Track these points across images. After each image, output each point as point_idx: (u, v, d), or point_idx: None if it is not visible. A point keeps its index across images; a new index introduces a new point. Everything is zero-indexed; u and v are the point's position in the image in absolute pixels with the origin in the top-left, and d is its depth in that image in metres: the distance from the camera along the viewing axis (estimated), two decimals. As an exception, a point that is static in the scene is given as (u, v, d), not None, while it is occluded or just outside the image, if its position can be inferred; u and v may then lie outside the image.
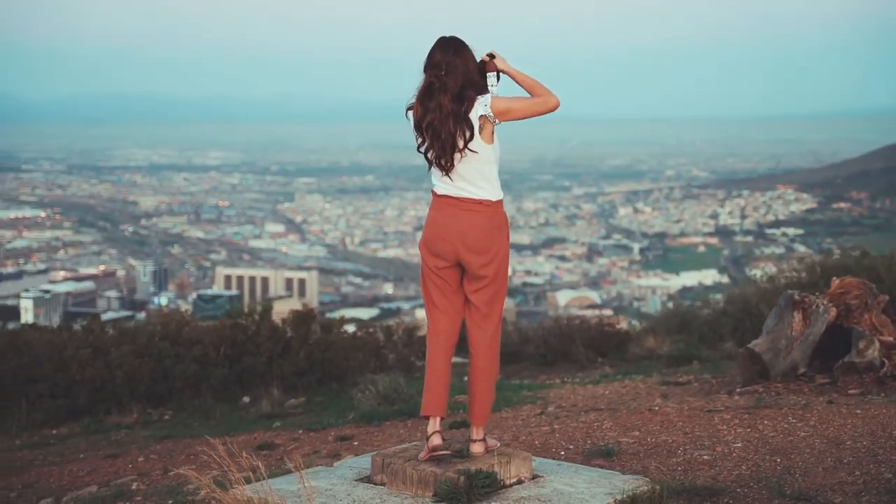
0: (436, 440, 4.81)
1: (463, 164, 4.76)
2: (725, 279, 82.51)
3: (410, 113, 4.83)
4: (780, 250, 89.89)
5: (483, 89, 4.79)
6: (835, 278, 9.22)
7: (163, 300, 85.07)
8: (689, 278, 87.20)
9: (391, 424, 8.55)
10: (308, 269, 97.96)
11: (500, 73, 4.86)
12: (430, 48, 4.79)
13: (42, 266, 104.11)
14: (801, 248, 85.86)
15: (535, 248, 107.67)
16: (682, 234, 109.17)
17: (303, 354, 11.60)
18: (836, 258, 16.04)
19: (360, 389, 9.74)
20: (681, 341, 13.60)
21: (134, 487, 6.89)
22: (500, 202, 4.85)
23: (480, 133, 4.74)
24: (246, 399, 11.14)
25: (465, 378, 14.38)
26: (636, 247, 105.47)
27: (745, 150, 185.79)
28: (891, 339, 8.47)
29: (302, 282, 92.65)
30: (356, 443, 7.78)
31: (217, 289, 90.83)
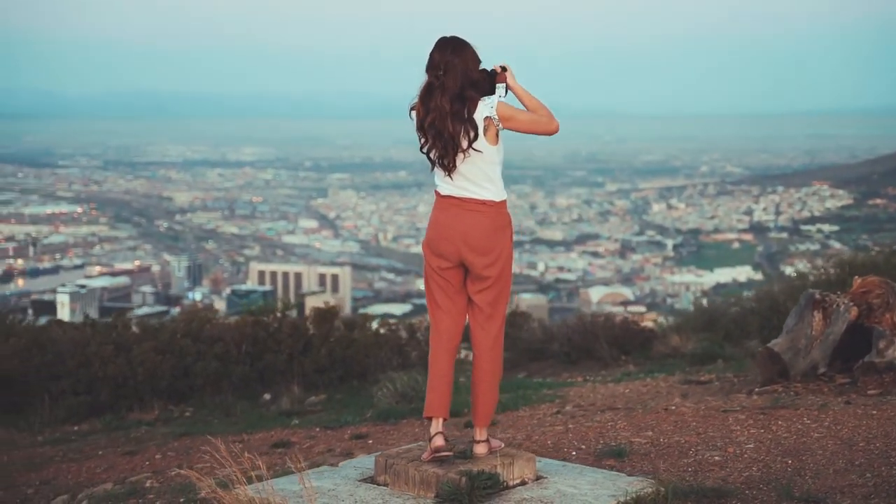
0: (438, 441, 4.80)
1: (466, 164, 4.75)
2: (760, 276, 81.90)
3: (413, 113, 4.82)
4: (815, 247, 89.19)
5: (485, 89, 4.78)
6: (856, 277, 9.12)
7: (197, 295, 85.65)
8: (723, 275, 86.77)
9: (408, 423, 8.55)
10: (341, 264, 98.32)
11: (508, 89, 4.85)
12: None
13: (78, 261, 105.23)
14: (837, 245, 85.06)
15: (567, 245, 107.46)
16: (716, 230, 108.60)
17: (324, 352, 11.64)
18: (865, 256, 15.88)
19: (380, 387, 9.76)
20: (705, 339, 13.50)
21: (147, 485, 6.93)
22: (503, 203, 4.83)
23: (485, 134, 4.73)
24: (267, 396, 11.18)
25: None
26: (670, 243, 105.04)
27: (779, 145, 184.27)
28: (912, 338, 8.36)
29: (335, 277, 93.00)
30: (371, 441, 7.79)
31: (251, 284, 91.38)
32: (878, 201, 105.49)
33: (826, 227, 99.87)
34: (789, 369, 8.45)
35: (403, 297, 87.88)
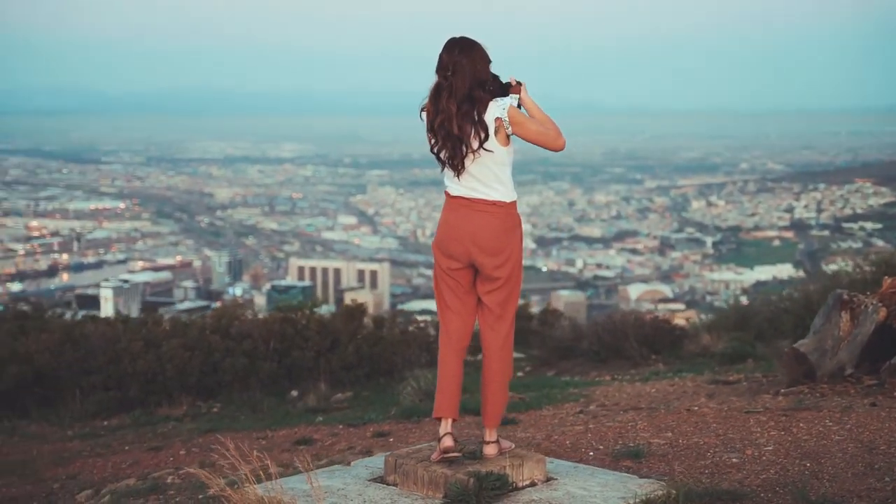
0: (447, 442, 4.80)
1: (476, 165, 4.74)
2: (801, 274, 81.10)
3: (424, 114, 4.82)
4: (857, 245, 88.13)
5: (495, 90, 4.77)
6: (886, 277, 9.00)
7: (237, 290, 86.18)
8: (764, 273, 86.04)
9: (430, 421, 8.54)
10: (380, 260, 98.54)
11: (521, 104, 4.84)
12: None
13: (121, 256, 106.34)
14: (880, 243, 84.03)
15: (606, 242, 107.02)
16: (757, 227, 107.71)
17: (351, 349, 11.68)
18: (901, 255, 15.65)
19: (405, 385, 9.77)
20: (736, 339, 13.39)
21: (169, 481, 6.99)
22: (513, 203, 4.82)
23: (495, 135, 4.72)
24: (294, 393, 11.24)
25: (520, 374, 14.24)
26: (709, 240, 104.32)
27: (821, 142, 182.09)
28: (940, 340, 8.25)
29: (374, 273, 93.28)
30: (392, 439, 7.80)
31: (290, 280, 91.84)
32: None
33: (868, 225, 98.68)
34: (816, 370, 8.36)
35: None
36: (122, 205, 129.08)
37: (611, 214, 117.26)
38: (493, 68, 4.84)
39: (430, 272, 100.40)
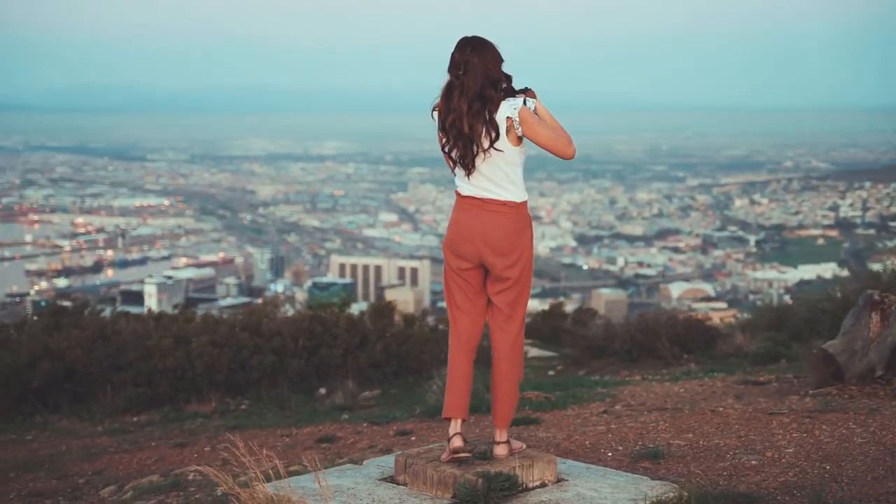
0: (457, 442, 4.79)
1: (487, 164, 4.72)
2: (845, 273, 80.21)
3: (436, 114, 4.81)
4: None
5: (508, 90, 4.75)
6: (918, 278, 8.87)
7: (279, 287, 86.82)
8: (808, 271, 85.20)
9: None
10: (420, 258, 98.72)
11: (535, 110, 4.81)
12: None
13: (165, 252, 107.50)
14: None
15: (647, 240, 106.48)
16: (801, 226, 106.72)
17: (379, 347, 11.69)
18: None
19: (432, 383, 9.75)
20: (770, 339, 13.25)
21: (190, 478, 7.02)
22: (524, 203, 4.79)
23: (507, 134, 4.69)
24: (322, 390, 11.26)
25: (551, 373, 14.16)
26: (752, 239, 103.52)
27: (868, 140, 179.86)
28: (972, 342, 8.10)
29: (414, 271, 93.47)
30: (413, 438, 7.79)
31: (331, 276, 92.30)
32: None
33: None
34: (844, 372, 8.25)
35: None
36: (166, 202, 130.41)
37: (652, 212, 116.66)
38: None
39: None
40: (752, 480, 5.31)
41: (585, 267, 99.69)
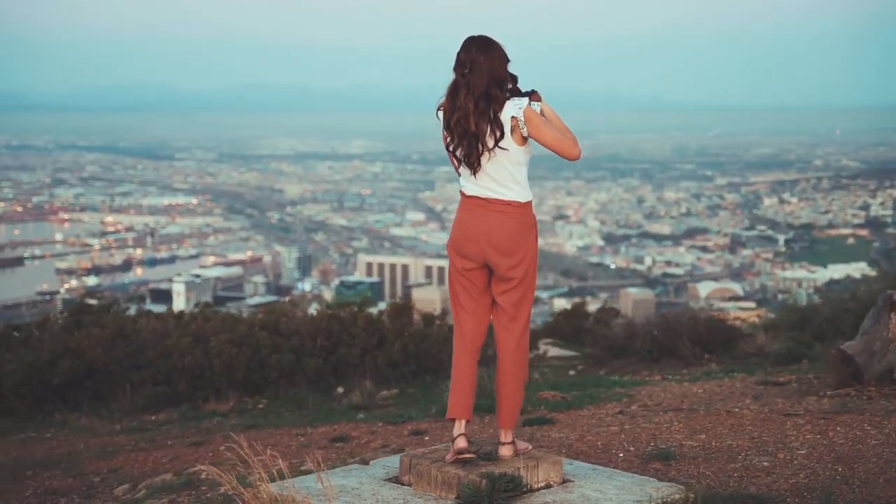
0: (461, 443, 4.77)
1: (491, 164, 4.70)
2: (875, 272, 79.49)
3: (440, 113, 4.79)
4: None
5: (514, 90, 4.73)
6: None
7: (306, 286, 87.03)
8: (837, 271, 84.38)
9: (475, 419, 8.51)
10: (447, 257, 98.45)
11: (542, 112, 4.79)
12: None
13: (193, 251, 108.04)
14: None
15: (675, 239, 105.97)
16: (831, 225, 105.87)
17: (398, 346, 11.68)
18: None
19: (448, 383, 9.73)
20: (792, 339, 13.13)
21: (203, 477, 7.04)
22: (529, 203, 4.78)
23: (511, 133, 4.67)
24: (340, 390, 11.27)
25: (571, 373, 14.12)
26: (781, 238, 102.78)
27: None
28: None
29: (441, 269, 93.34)
30: (427, 438, 7.78)
31: (359, 275, 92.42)
32: None
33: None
34: (863, 372, 8.16)
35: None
36: (194, 201, 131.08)
37: (680, 211, 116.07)
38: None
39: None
40: (763, 482, 5.27)
41: (613, 266, 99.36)
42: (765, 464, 5.66)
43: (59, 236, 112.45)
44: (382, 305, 15.07)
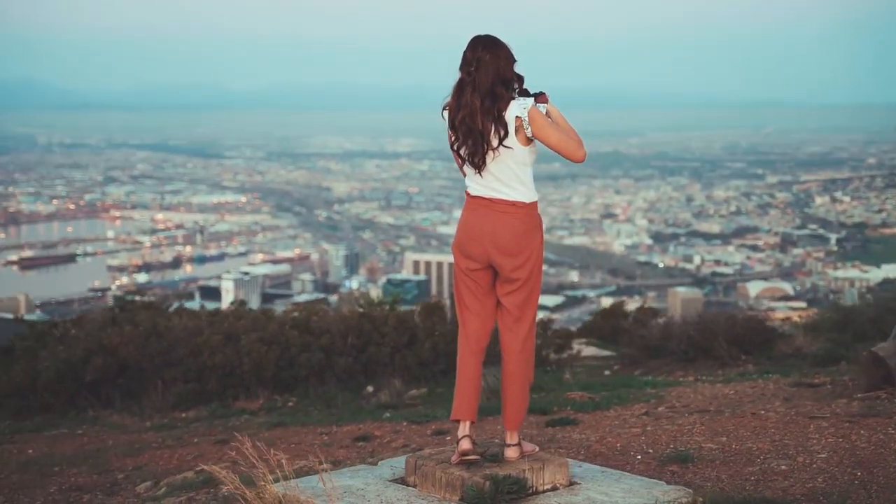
0: (465, 444, 4.74)
1: (496, 163, 4.66)
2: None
3: (446, 112, 4.76)
4: None
5: (520, 90, 4.68)
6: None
7: (354, 284, 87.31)
8: (891, 271, 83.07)
9: (494, 420, 8.45)
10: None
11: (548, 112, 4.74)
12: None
13: (242, 249, 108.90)
14: None
15: (724, 238, 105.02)
16: (884, 224, 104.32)
17: (428, 345, 11.66)
18: None
19: (476, 383, 9.68)
20: (831, 340, 12.94)
21: (223, 475, 7.05)
22: (534, 204, 4.73)
23: (515, 133, 4.63)
24: (369, 388, 11.27)
25: (607, 373, 14.01)
26: (833, 237, 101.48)
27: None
28: None
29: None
30: (448, 437, 7.75)
31: (406, 273, 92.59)
32: None
33: None
34: (895, 375, 8.02)
35: (556, 289, 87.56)
36: (243, 199, 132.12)
37: (730, 210, 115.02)
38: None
39: (544, 267, 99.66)
40: (779, 486, 5.19)
41: (661, 265, 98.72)
42: (783, 467, 5.57)
43: (110, 233, 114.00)
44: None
